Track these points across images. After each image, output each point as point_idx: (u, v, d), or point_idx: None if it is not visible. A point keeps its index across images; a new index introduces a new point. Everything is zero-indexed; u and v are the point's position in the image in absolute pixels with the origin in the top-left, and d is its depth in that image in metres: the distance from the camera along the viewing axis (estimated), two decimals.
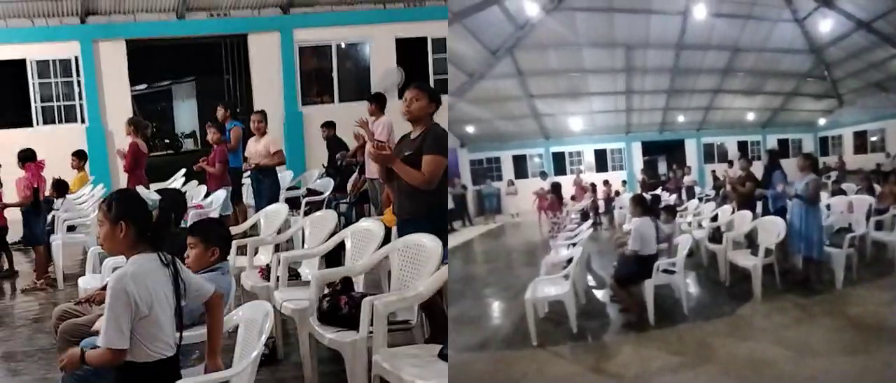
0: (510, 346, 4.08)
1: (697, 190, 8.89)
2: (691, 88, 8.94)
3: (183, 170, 8.82)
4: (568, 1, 7.08)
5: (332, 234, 4.25)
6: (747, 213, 5.95)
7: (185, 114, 23.60)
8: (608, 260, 6.19)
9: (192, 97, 23.12)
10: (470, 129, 9.81)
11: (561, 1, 7.00)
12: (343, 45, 12.31)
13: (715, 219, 6.74)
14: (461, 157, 9.64)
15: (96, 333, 2.37)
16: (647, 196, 7.18)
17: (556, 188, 8.99)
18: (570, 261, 4.95)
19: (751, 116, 9.34)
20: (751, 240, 5.62)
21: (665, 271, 4.82)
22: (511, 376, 3.77)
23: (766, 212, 5.67)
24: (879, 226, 5.76)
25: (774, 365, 3.80)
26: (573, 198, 9.23)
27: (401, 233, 3.57)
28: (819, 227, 5.16)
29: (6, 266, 6.70)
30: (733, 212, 6.39)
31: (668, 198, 8.47)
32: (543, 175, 10.39)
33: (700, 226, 6.79)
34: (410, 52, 12.17)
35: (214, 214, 6.02)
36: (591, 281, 5.88)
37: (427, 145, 3.40)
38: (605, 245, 7.48)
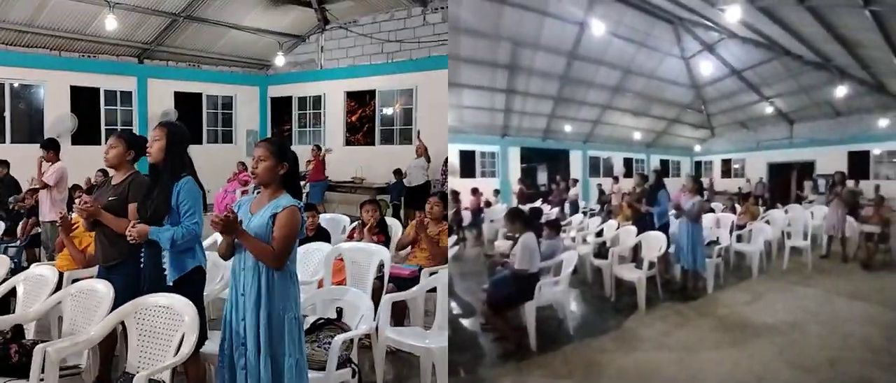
0: None
1: (582, 203, 9.16)
2: (581, 99, 9.31)
3: None
4: None
5: (4, 280, 4.18)
6: (632, 228, 6.63)
7: None
8: (476, 282, 5.92)
9: None
10: None
11: None
12: (16, 85, 12.36)
13: (600, 234, 7.27)
14: None
15: None
16: (525, 208, 6.98)
17: None
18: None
19: (637, 135, 10.05)
20: (635, 254, 6.27)
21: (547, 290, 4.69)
22: None
23: (651, 228, 6.36)
24: (740, 239, 7.07)
25: (660, 369, 4.36)
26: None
27: (105, 278, 3.71)
28: (701, 243, 6.02)
29: None
30: (618, 226, 7.03)
31: (549, 212, 8.51)
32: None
33: (584, 241, 7.11)
34: (84, 101, 12.74)
35: None
36: (455, 308, 5.54)
37: (132, 194, 3.72)
38: (471, 265, 7.13)
